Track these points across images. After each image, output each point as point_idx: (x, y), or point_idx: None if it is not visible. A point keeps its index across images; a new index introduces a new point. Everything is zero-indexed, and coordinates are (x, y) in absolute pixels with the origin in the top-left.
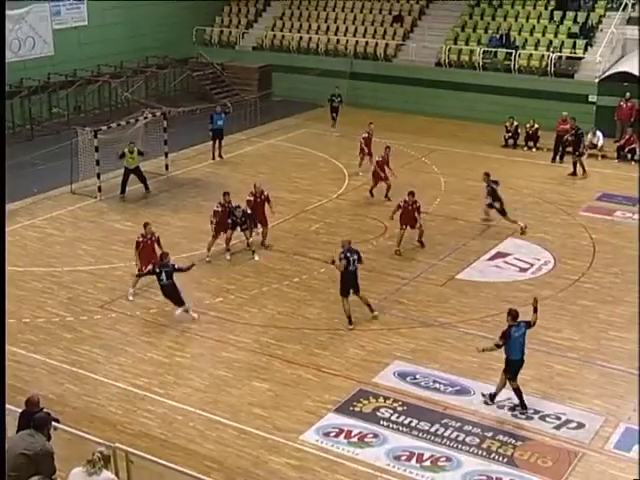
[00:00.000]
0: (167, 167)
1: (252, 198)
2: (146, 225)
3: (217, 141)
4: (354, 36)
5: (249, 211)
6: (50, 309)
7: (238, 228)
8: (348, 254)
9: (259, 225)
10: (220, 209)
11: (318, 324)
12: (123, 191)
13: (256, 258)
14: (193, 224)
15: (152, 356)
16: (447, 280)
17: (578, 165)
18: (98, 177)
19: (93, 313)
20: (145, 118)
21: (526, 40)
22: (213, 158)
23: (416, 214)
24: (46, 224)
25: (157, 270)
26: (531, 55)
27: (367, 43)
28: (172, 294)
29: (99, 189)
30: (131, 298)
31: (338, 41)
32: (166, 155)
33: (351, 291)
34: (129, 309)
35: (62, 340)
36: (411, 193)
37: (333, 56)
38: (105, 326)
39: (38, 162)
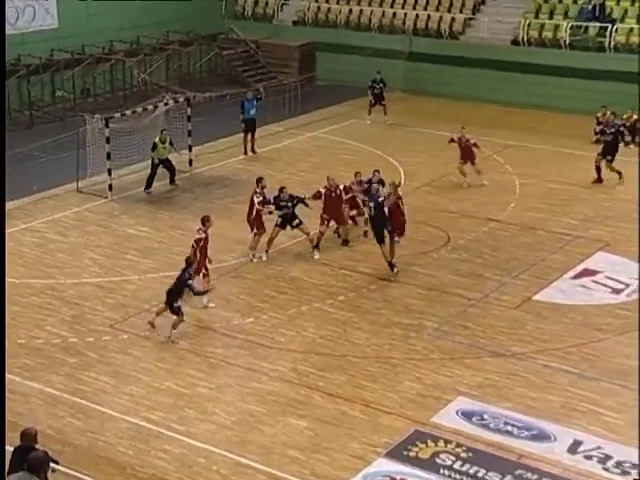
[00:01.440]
0: (190, 163)
1: (325, 191)
2: (205, 221)
3: (249, 133)
4: (413, 9)
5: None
6: (50, 328)
7: (288, 227)
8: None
9: (329, 222)
10: (260, 198)
11: (367, 351)
12: (149, 185)
13: (316, 257)
14: (220, 230)
15: (170, 385)
16: (522, 302)
17: None
18: (109, 173)
19: (101, 334)
20: (165, 104)
21: (626, 11)
22: (245, 153)
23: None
24: (47, 228)
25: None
26: (631, 30)
27: (429, 17)
28: (170, 298)
29: (110, 187)
30: (210, 304)
31: (394, 15)
32: (190, 149)
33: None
34: (143, 329)
35: (64, 365)
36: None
37: (388, 33)
38: (115, 349)
39: (38, 154)
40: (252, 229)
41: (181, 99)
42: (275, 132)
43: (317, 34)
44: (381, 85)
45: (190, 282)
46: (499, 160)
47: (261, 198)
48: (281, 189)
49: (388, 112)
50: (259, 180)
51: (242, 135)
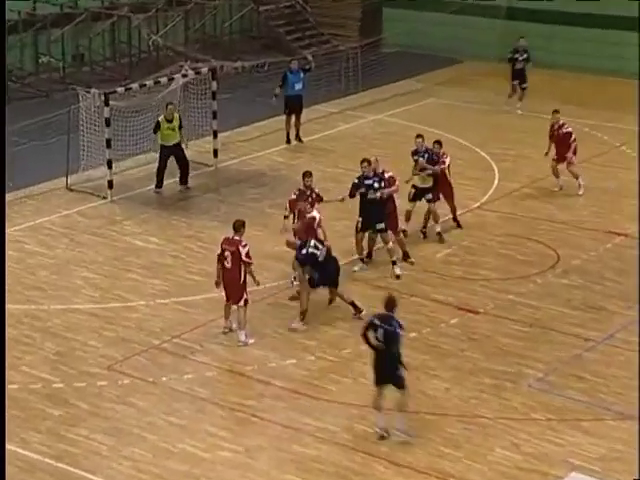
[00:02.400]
0: (216, 153)
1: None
2: (238, 228)
3: (293, 115)
4: None
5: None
6: (28, 370)
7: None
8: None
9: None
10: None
11: (446, 407)
12: (160, 184)
13: (397, 272)
14: (254, 242)
15: (184, 448)
16: None
17: None
18: (109, 166)
19: (95, 378)
20: (184, 76)
21: None
22: (287, 141)
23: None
24: (27, 237)
25: None
26: None
27: None
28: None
29: (110, 185)
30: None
31: None
32: (215, 135)
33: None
34: (150, 372)
35: (45, 419)
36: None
37: None
38: (113, 398)
39: (16, 140)
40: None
41: (204, 69)
42: (328, 114)
43: None
44: (525, 56)
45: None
46: (629, 153)
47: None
48: (305, 174)
49: (481, 88)
50: (306, 174)
51: (284, 118)
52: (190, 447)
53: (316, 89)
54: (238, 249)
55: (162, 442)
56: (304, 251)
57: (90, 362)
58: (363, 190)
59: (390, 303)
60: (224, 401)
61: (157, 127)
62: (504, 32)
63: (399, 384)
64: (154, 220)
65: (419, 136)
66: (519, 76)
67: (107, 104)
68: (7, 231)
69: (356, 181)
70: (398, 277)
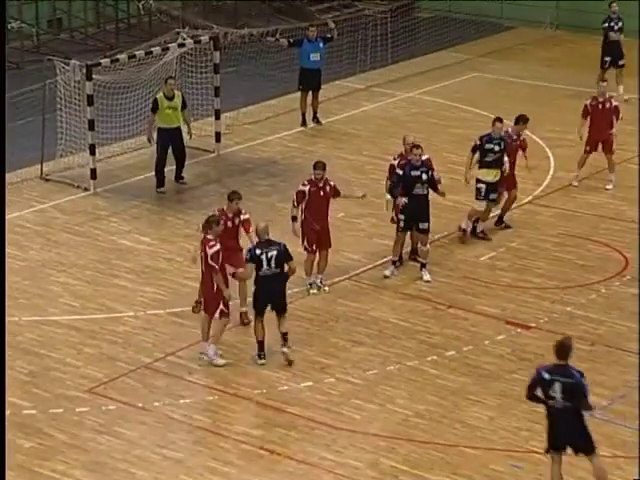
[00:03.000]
0: (218, 137)
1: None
2: (209, 225)
3: (311, 92)
4: None
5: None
6: None
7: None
8: None
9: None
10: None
11: (492, 439)
12: (162, 181)
13: (426, 277)
14: None
15: None
16: None
17: None
18: (92, 152)
19: (74, 403)
20: (180, 46)
21: None
22: (303, 123)
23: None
24: None
25: None
26: None
27: None
28: None
29: (93, 174)
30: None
31: None
32: (217, 115)
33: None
34: (140, 396)
35: (16, 452)
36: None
37: None
38: (95, 427)
39: None
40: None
41: (204, 38)
42: (351, 91)
43: None
44: (620, 25)
45: None
46: None
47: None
48: (317, 164)
49: (534, 59)
50: (317, 164)
51: (299, 95)
52: None
53: (337, 61)
54: (205, 250)
55: (154, 479)
56: None
57: (69, 384)
58: (409, 182)
59: (564, 349)
60: (227, 431)
61: (155, 106)
62: None
63: (589, 448)
64: (145, 216)
65: (498, 120)
66: (614, 50)
67: (90, 78)
68: None
69: (400, 172)
70: (428, 282)
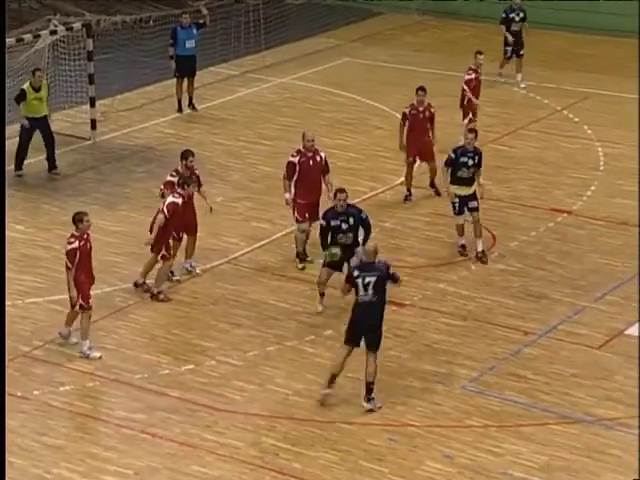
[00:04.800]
0: (93, 124)
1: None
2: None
3: (186, 78)
4: None
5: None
6: None
7: None
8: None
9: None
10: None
11: (368, 415)
12: (20, 165)
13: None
14: (139, 229)
15: (61, 473)
16: (609, 338)
17: None
18: None
19: None
20: (52, 33)
21: None
22: (179, 109)
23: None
24: None
25: None
26: None
27: None
28: None
29: None
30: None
31: None
32: (92, 103)
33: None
34: (19, 384)
35: None
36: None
37: None
38: None
39: None
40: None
41: (77, 25)
42: (226, 77)
43: None
44: (522, 16)
45: None
46: (572, 118)
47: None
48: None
49: (402, 44)
50: (185, 155)
51: (174, 82)
52: (68, 472)
53: (211, 48)
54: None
55: (34, 467)
56: None
57: None
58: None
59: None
60: (109, 416)
61: (22, 96)
62: None
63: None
64: (19, 205)
65: (470, 131)
66: (516, 40)
67: None
68: None
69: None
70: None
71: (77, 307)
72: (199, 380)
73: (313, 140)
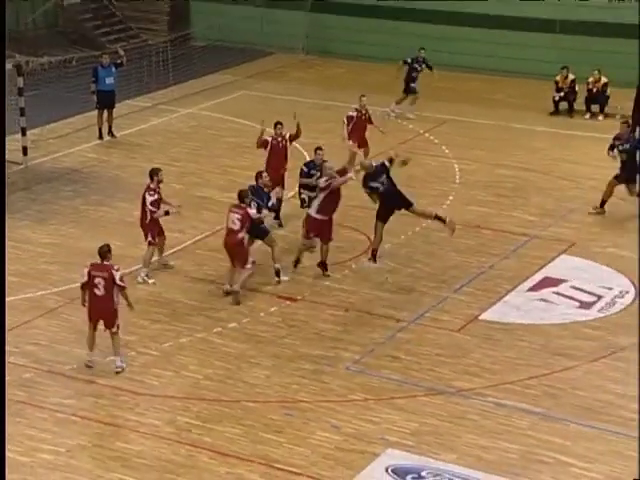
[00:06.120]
0: (25, 151)
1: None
2: (104, 254)
3: (105, 110)
4: None
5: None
6: None
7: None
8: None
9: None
10: (154, 197)
11: (267, 394)
12: None
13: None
14: (68, 241)
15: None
16: (466, 322)
17: None
18: None
19: None
20: None
21: None
22: (100, 137)
23: None
24: None
25: None
26: None
27: None
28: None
29: None
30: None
31: None
32: (23, 132)
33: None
34: None
35: None
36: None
37: None
38: None
39: None
40: (146, 237)
41: (9, 66)
42: (140, 109)
43: None
44: (424, 65)
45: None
46: (433, 140)
47: (156, 197)
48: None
49: (291, 80)
50: (154, 173)
51: (96, 113)
52: (8, 452)
53: (127, 84)
54: (112, 274)
55: None
56: None
57: None
58: None
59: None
60: (43, 402)
61: None
62: (310, 25)
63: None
64: None
65: (319, 148)
66: (413, 82)
67: None
68: None
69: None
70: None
71: (115, 327)
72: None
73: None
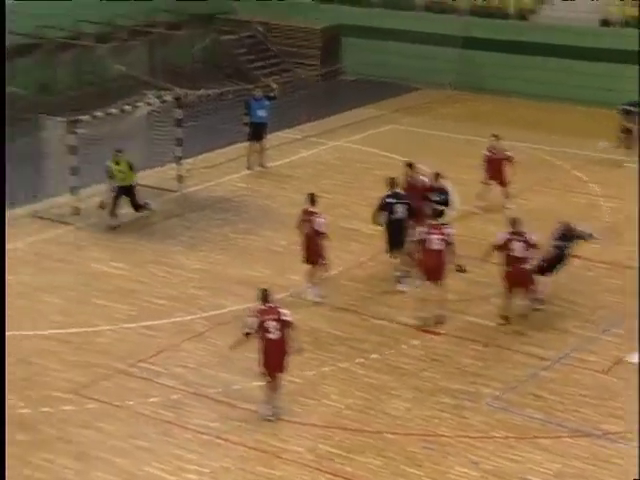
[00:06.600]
0: (180, 179)
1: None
2: (265, 297)
3: (257, 142)
4: None
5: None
6: None
7: None
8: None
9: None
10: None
11: (408, 426)
12: (114, 217)
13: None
14: (216, 267)
15: (150, 471)
16: (614, 364)
17: None
18: (75, 193)
19: (60, 402)
20: (148, 104)
21: None
22: (250, 168)
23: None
24: None
25: None
26: None
27: None
28: None
29: (75, 211)
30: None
31: None
32: (179, 161)
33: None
34: (116, 396)
35: (11, 445)
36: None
37: (437, 12)
38: (78, 423)
39: None
40: (315, 260)
41: (168, 98)
42: (290, 141)
43: (344, 14)
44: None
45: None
46: (581, 177)
47: (324, 219)
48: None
49: (437, 115)
50: (316, 198)
51: (247, 144)
52: (156, 470)
53: (278, 116)
54: (280, 316)
55: (129, 466)
56: None
57: (56, 387)
58: None
59: None
60: (189, 424)
61: (109, 172)
62: (460, 61)
63: None
64: (119, 246)
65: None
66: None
67: (72, 132)
68: None
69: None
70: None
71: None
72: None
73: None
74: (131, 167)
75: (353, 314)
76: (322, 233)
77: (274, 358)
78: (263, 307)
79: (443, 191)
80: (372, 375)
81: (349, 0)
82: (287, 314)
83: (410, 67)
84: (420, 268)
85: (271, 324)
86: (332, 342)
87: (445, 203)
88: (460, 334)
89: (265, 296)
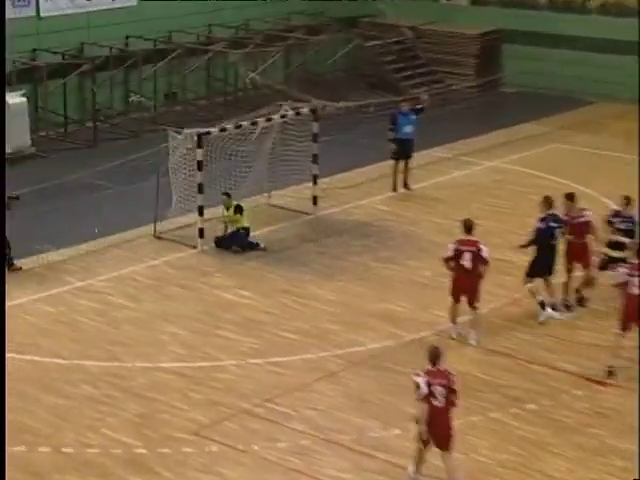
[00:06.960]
0: (315, 200)
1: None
2: (435, 358)
3: (402, 160)
4: None
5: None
6: (109, 432)
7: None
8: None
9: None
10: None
11: None
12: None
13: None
14: (354, 300)
15: None
16: None
17: None
18: (200, 213)
19: (180, 443)
20: (282, 117)
21: None
22: (394, 189)
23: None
24: (111, 288)
25: None
26: None
27: None
28: None
29: (201, 233)
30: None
31: None
32: (314, 180)
33: None
34: (240, 439)
35: None
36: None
37: (616, 15)
38: (199, 467)
39: (103, 184)
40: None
41: (305, 110)
42: (439, 159)
43: (506, 18)
44: None
45: None
46: None
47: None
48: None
49: (612, 132)
50: (473, 224)
51: (392, 163)
52: None
53: (427, 132)
54: (450, 381)
55: None
56: None
57: (175, 426)
58: None
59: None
60: (319, 473)
61: (223, 217)
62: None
63: None
64: (247, 272)
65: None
66: None
67: (200, 146)
68: (91, 281)
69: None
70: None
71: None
72: (406, 445)
73: None
74: (240, 211)
75: (507, 358)
76: (487, 262)
77: (437, 428)
78: (432, 369)
79: (631, 220)
80: (528, 428)
81: (511, 2)
82: (455, 380)
83: (582, 78)
84: (622, 315)
85: (437, 389)
86: (482, 388)
87: (631, 234)
88: (631, 386)
89: (436, 356)
